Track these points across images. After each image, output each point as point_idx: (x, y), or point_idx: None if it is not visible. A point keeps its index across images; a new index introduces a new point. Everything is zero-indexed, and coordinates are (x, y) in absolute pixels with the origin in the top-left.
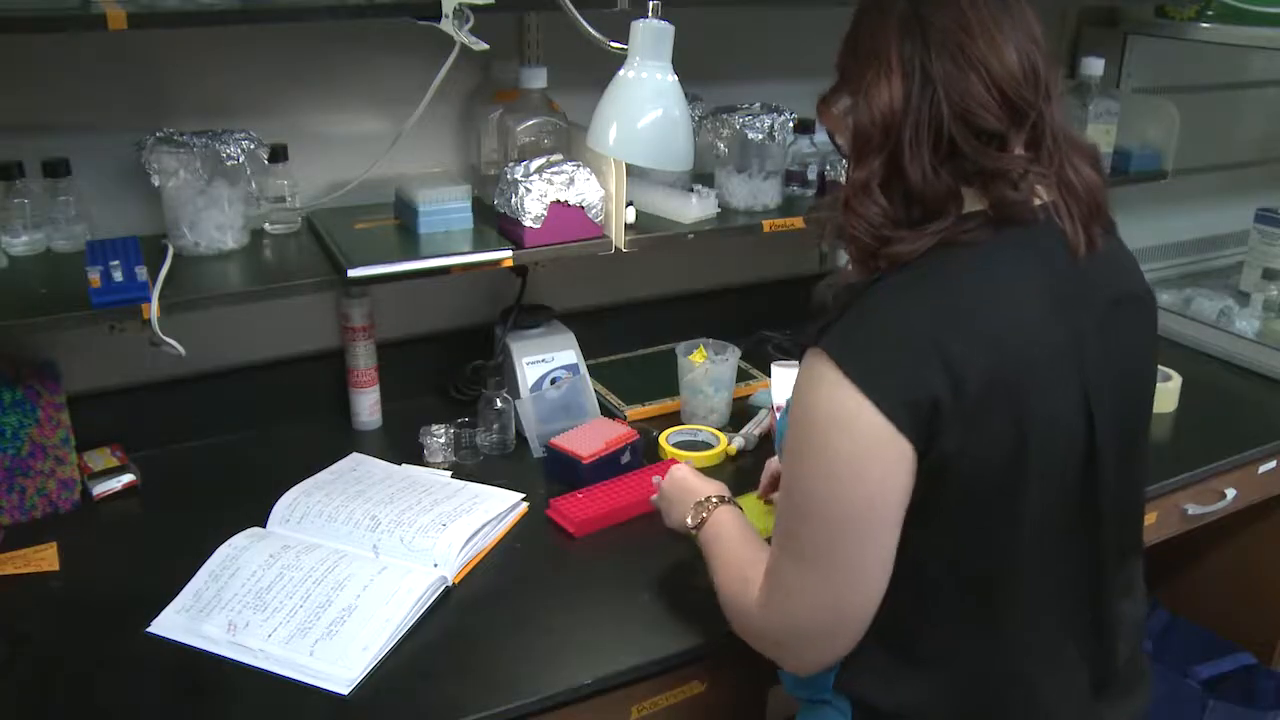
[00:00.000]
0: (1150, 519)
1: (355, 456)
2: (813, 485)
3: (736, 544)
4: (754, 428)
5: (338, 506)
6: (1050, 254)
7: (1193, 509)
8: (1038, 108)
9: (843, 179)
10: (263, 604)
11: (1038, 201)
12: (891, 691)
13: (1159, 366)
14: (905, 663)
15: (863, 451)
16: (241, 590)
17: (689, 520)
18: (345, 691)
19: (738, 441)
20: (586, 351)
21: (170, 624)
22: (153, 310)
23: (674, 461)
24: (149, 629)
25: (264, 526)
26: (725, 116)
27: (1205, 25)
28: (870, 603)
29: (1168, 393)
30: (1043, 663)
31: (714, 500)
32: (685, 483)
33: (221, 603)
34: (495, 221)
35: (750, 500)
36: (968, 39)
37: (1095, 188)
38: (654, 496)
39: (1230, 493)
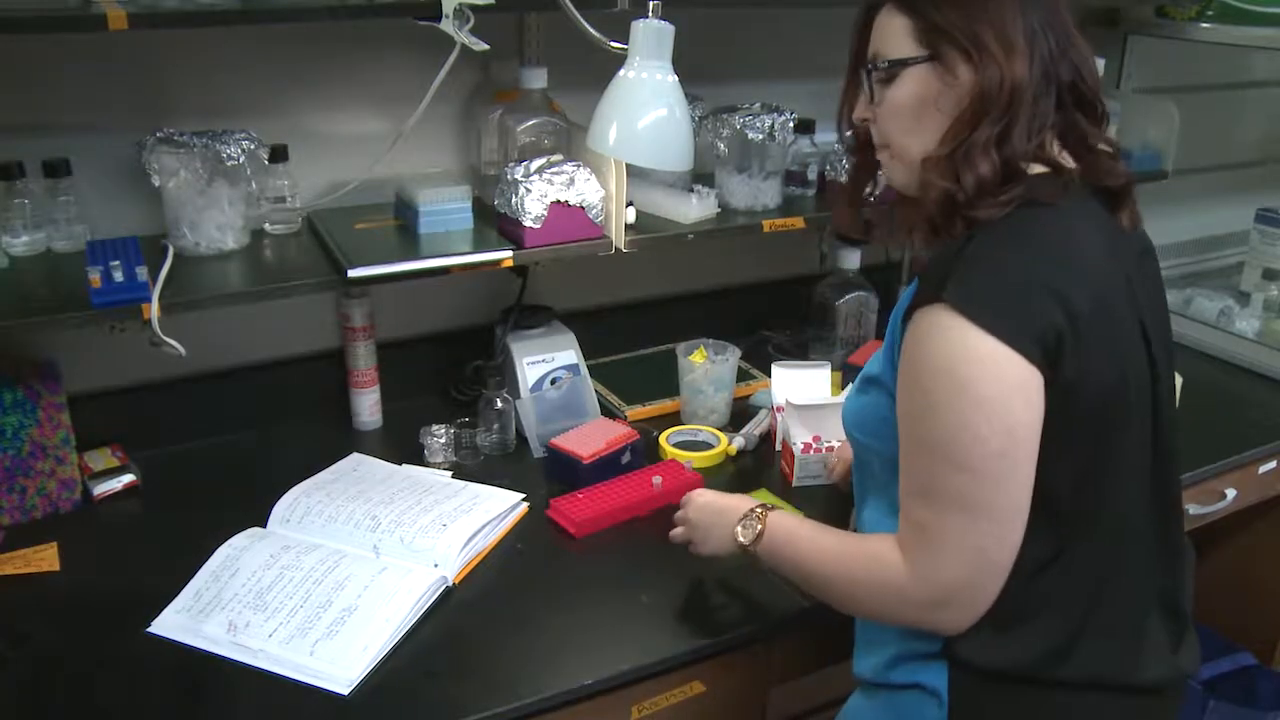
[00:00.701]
0: None
1: (356, 457)
2: (956, 433)
3: (822, 535)
4: (754, 428)
5: (338, 507)
6: (1099, 213)
7: (1193, 509)
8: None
9: (970, 133)
10: (263, 604)
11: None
12: (995, 649)
13: None
14: (1007, 618)
15: (1005, 390)
16: (242, 590)
17: (741, 537)
18: (345, 691)
19: (738, 441)
20: (587, 351)
21: (170, 624)
22: (153, 310)
23: (674, 462)
24: (149, 629)
25: (264, 526)
26: (725, 116)
27: (1205, 25)
28: (1018, 540)
29: None
30: (1133, 614)
31: (758, 510)
32: (716, 504)
33: (222, 603)
34: (495, 222)
35: (764, 496)
36: (1068, 25)
37: (1125, 167)
38: (677, 531)
39: (1230, 493)
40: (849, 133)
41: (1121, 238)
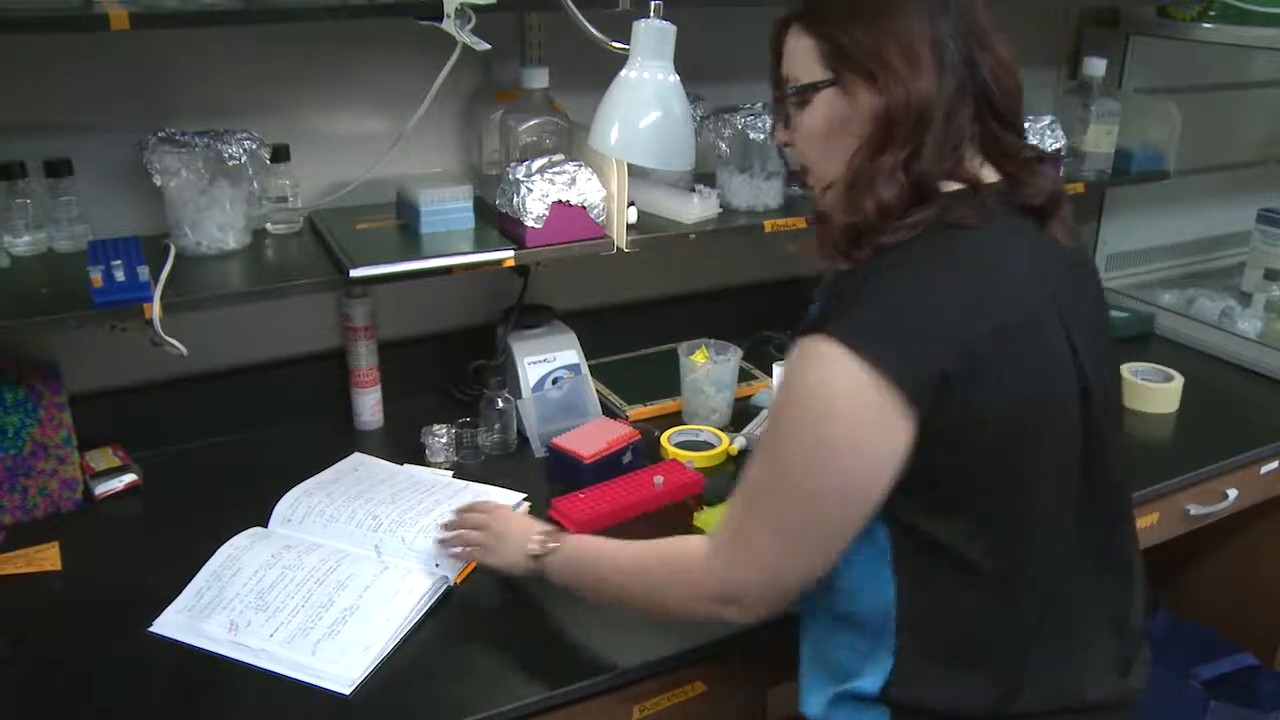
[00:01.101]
0: (1152, 519)
1: (357, 456)
2: (792, 460)
3: (612, 546)
4: (755, 428)
5: (339, 506)
6: (1024, 229)
7: (1194, 509)
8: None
9: (872, 155)
10: (264, 604)
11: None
12: (936, 691)
13: (1159, 367)
14: (946, 660)
15: (854, 437)
16: (243, 590)
17: (532, 545)
18: (347, 691)
19: (739, 441)
20: (588, 351)
21: (172, 623)
22: (154, 310)
23: (675, 462)
24: (151, 629)
25: (265, 526)
26: (727, 116)
27: (1207, 26)
28: (820, 574)
29: (1169, 393)
30: (1077, 647)
31: (558, 532)
32: (519, 518)
33: (223, 602)
34: (497, 221)
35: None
36: (987, 34)
37: (1058, 178)
38: (473, 535)
39: (1232, 493)
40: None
41: (1051, 253)
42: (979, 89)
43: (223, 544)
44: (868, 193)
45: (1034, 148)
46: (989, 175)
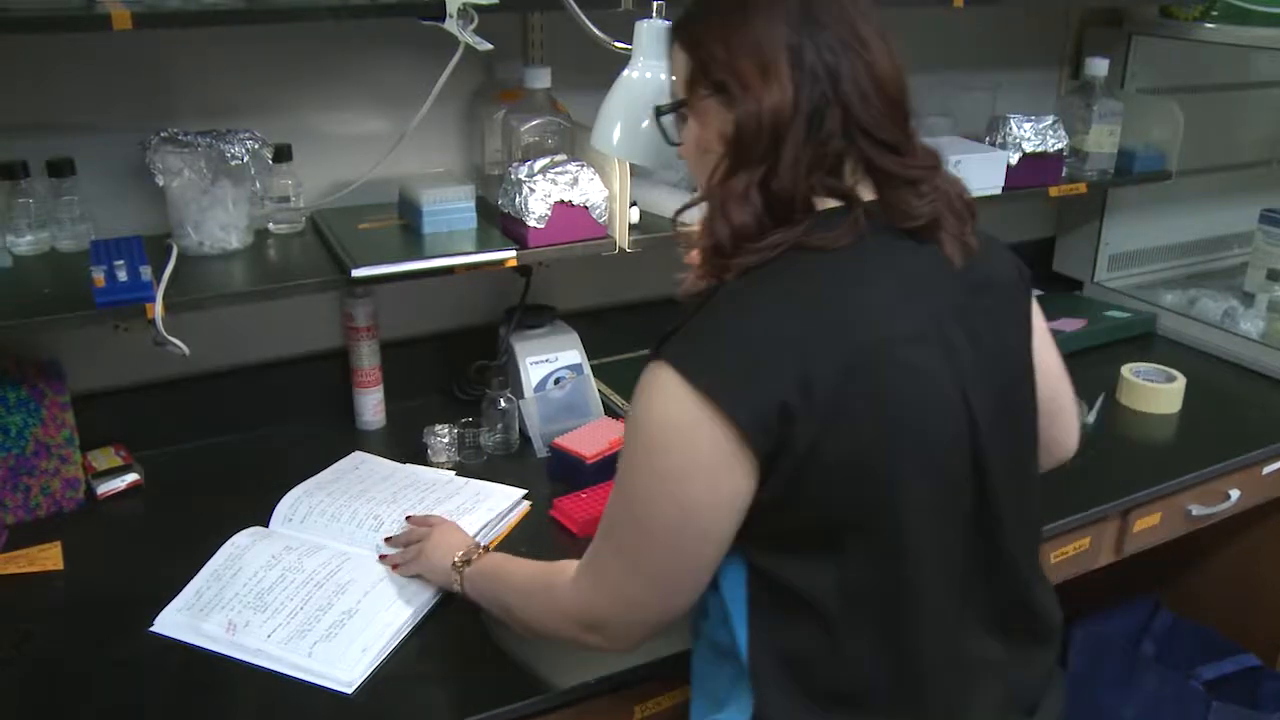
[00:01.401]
0: (1154, 519)
1: (358, 455)
2: (635, 491)
3: (514, 565)
4: None
5: (340, 506)
6: (905, 253)
7: (1197, 510)
8: (910, 112)
9: (725, 176)
10: (263, 604)
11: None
12: None
13: (1161, 367)
14: (806, 707)
15: (691, 467)
16: (243, 590)
17: (455, 558)
18: (349, 691)
19: None
20: (590, 351)
21: (172, 622)
22: (157, 310)
23: None
24: (151, 628)
25: (267, 526)
26: None
27: (1210, 26)
28: (678, 605)
29: (1171, 394)
30: (958, 681)
31: (483, 548)
32: (454, 533)
33: (222, 602)
34: (499, 221)
35: None
36: (858, 43)
37: (965, 192)
38: (400, 539)
39: (1234, 494)
40: None
41: (941, 276)
42: (842, 102)
43: (224, 543)
44: (721, 216)
45: (915, 165)
46: (867, 193)
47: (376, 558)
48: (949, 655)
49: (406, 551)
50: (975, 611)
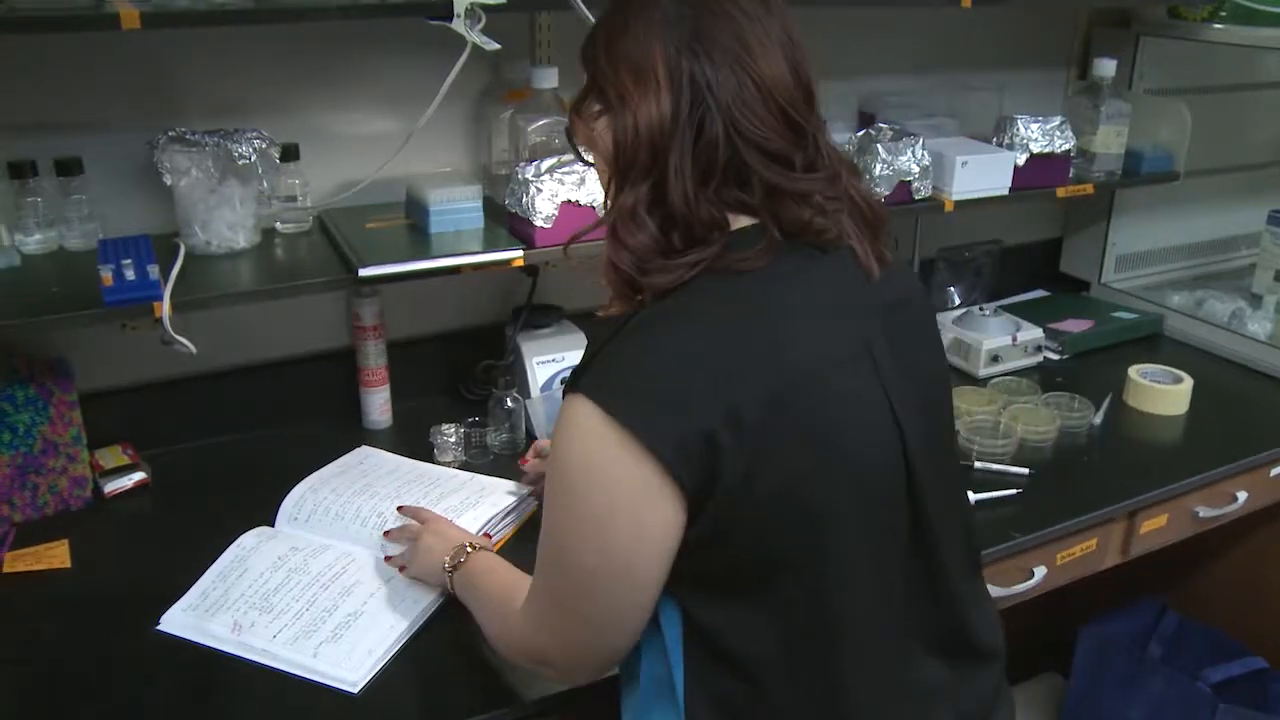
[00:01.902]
0: (1161, 521)
1: (364, 449)
2: (558, 533)
3: (499, 573)
4: None
5: (344, 504)
6: (827, 271)
7: (1204, 511)
8: (813, 123)
9: (614, 198)
10: (269, 605)
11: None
12: None
13: (1168, 368)
14: None
15: (611, 508)
16: (249, 591)
17: (446, 562)
18: (354, 690)
19: None
20: None
21: (178, 621)
22: (164, 309)
23: None
24: (157, 626)
25: (272, 524)
26: None
27: (1218, 26)
28: (621, 649)
29: (1179, 395)
30: (904, 712)
31: (472, 545)
32: (446, 532)
33: (228, 602)
34: (506, 221)
35: None
36: (743, 50)
37: (876, 203)
38: (401, 546)
39: (1241, 495)
40: None
41: (861, 293)
42: (723, 111)
43: (230, 543)
44: (616, 239)
45: (814, 177)
46: (802, 215)
47: (382, 558)
48: (892, 688)
49: (406, 553)
50: (918, 637)
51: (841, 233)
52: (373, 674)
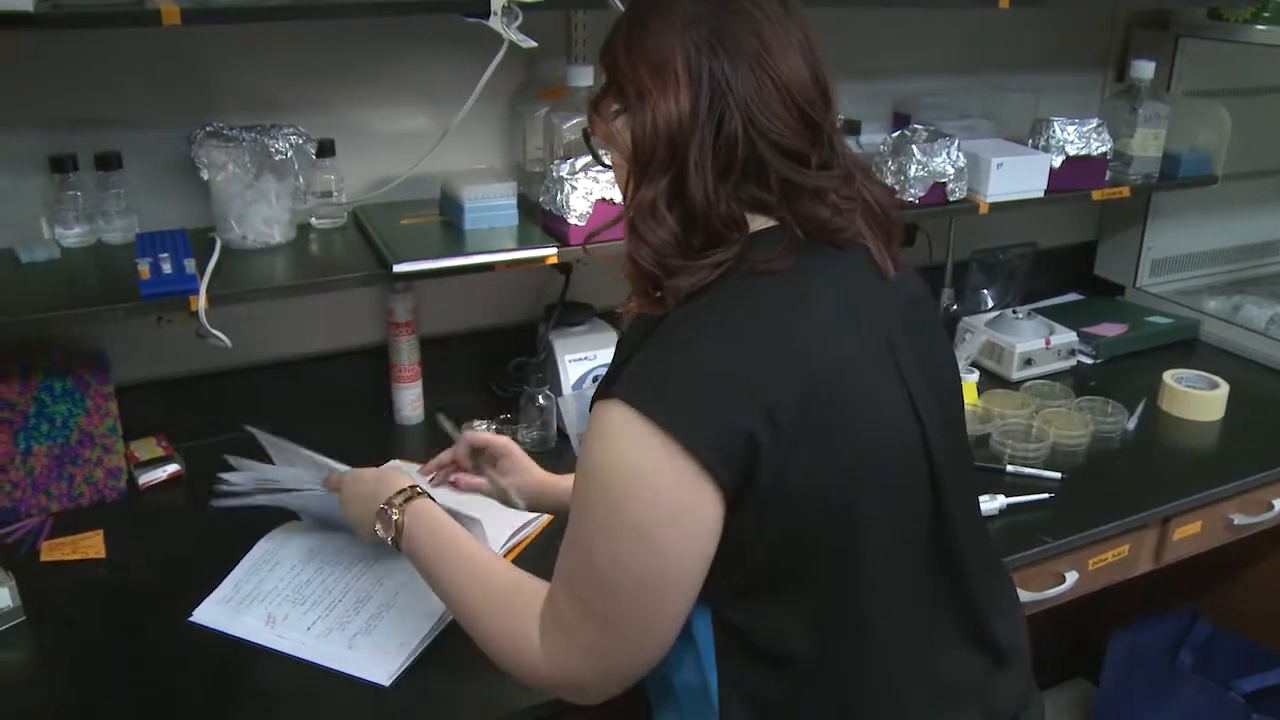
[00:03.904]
0: (1195, 528)
1: (394, 464)
2: (600, 547)
3: (469, 546)
4: None
5: None
6: (847, 270)
7: (1239, 519)
8: (830, 123)
9: (633, 194)
10: (301, 598)
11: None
12: None
13: (1204, 374)
14: None
15: (659, 516)
16: (281, 584)
17: (380, 532)
18: (386, 682)
19: None
20: None
21: (211, 614)
22: (200, 302)
23: None
24: (191, 618)
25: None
26: None
27: (1261, 28)
28: (653, 657)
29: (1214, 400)
30: (933, 711)
31: (398, 500)
32: (364, 486)
33: (261, 595)
34: (540, 219)
35: None
36: (762, 49)
37: (889, 205)
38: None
39: (1278, 504)
40: None
41: (881, 292)
42: (742, 108)
43: (261, 538)
44: (636, 236)
45: (830, 174)
46: (818, 212)
47: None
48: (920, 685)
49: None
50: (943, 635)
51: (857, 232)
52: (405, 665)
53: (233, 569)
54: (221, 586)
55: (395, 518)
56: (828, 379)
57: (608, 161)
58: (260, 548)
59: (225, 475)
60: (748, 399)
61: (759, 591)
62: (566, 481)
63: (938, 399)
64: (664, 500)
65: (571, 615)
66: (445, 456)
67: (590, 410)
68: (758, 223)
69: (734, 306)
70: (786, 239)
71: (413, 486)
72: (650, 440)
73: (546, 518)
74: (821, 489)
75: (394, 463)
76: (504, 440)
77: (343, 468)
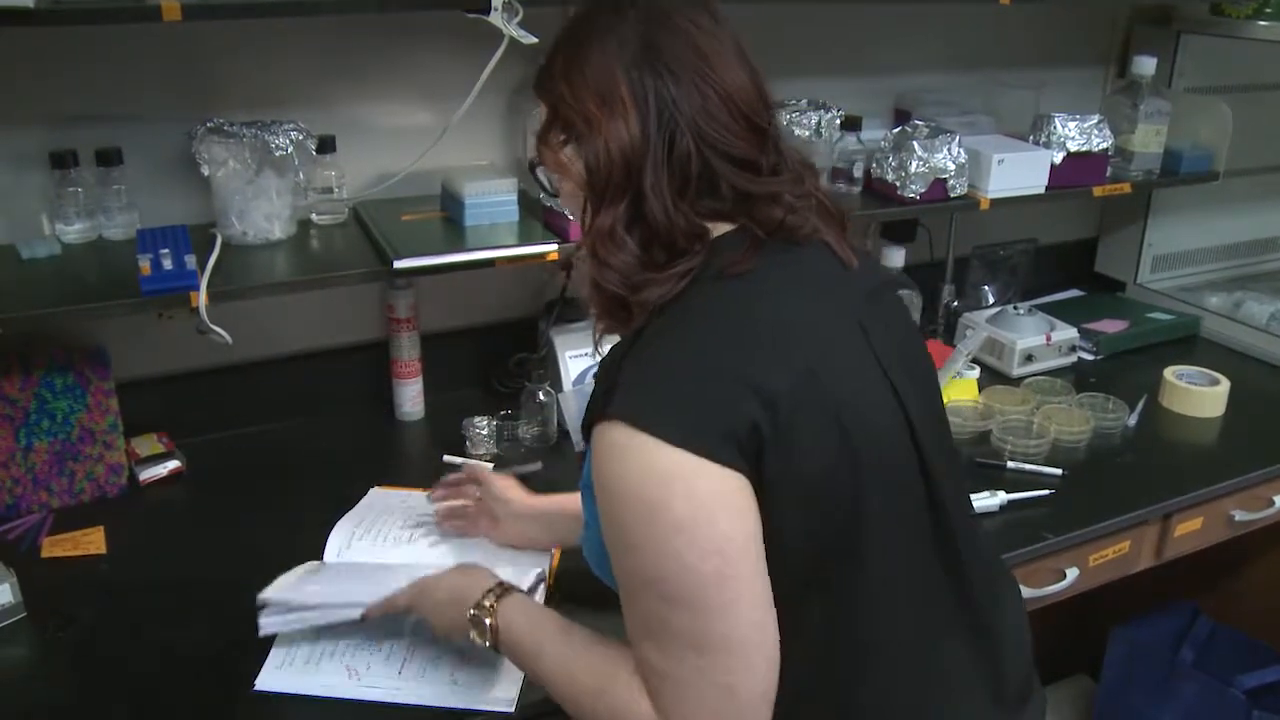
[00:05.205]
0: (1196, 524)
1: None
2: (660, 566)
3: (563, 644)
4: None
5: (385, 528)
6: (810, 263)
7: (1240, 515)
8: (774, 127)
9: (591, 220)
10: (371, 643)
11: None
12: None
13: (1205, 370)
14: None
15: (701, 506)
16: (340, 636)
17: (478, 640)
18: (511, 709)
19: None
20: None
21: (278, 680)
22: (201, 298)
23: None
24: (255, 688)
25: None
26: None
27: (1263, 24)
28: (772, 660)
29: (1216, 397)
30: (934, 691)
31: (488, 604)
32: (439, 592)
33: (326, 650)
34: (541, 215)
35: None
36: (702, 62)
37: (836, 200)
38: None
39: (1279, 500)
40: None
41: (845, 280)
42: (691, 124)
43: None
44: (599, 261)
45: (781, 178)
46: (774, 214)
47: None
48: (924, 674)
49: (397, 598)
50: (947, 626)
51: (815, 228)
52: (521, 687)
53: (270, 629)
54: (273, 654)
55: (490, 622)
56: (814, 366)
57: (555, 190)
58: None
59: (265, 595)
60: (743, 391)
61: (785, 592)
62: (560, 497)
63: (911, 376)
64: (699, 493)
65: (665, 661)
66: (453, 478)
67: (588, 441)
68: (719, 229)
69: (709, 308)
70: (749, 241)
71: (499, 584)
72: (661, 449)
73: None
74: (825, 477)
75: (374, 491)
76: (492, 477)
77: (399, 579)
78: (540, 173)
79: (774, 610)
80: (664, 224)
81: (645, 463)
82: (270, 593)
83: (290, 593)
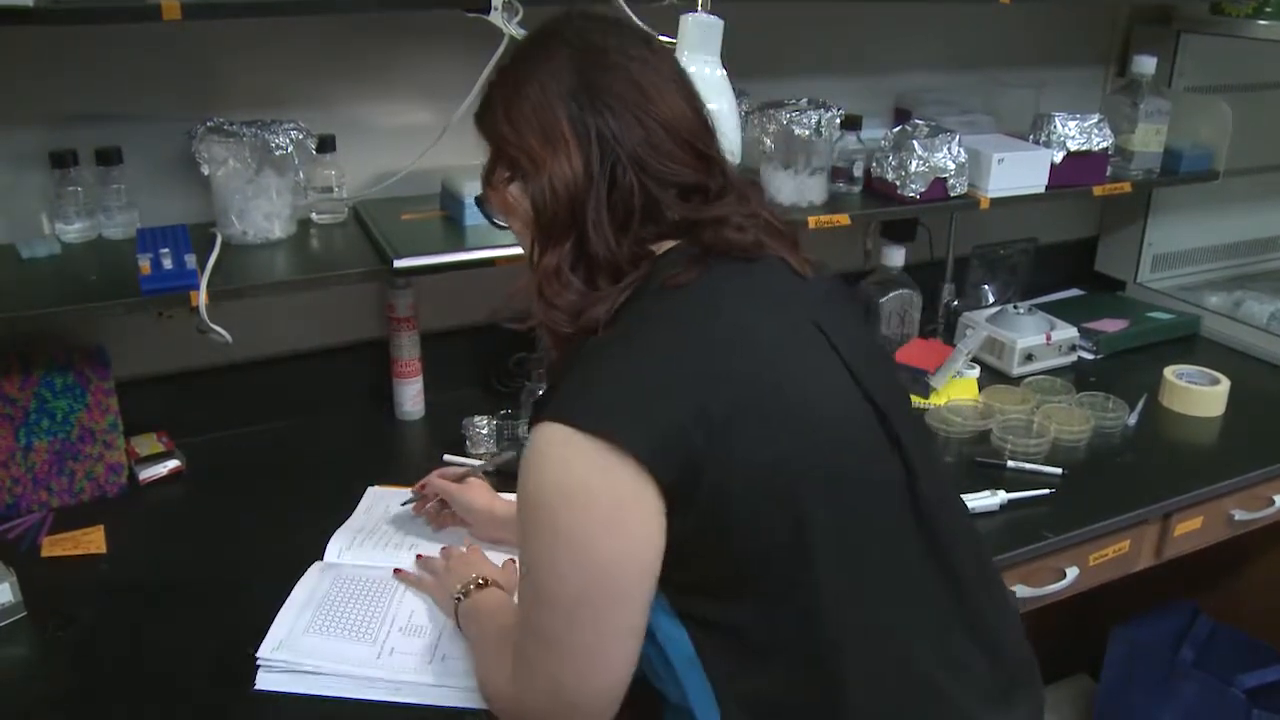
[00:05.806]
0: (1196, 524)
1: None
2: (538, 566)
3: (503, 618)
4: None
5: (387, 532)
6: (759, 274)
7: (1240, 514)
8: (717, 151)
9: (539, 259)
10: (414, 628)
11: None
12: None
13: (1205, 369)
14: None
15: (605, 513)
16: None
17: (454, 592)
18: None
19: None
20: None
21: (278, 681)
22: (201, 298)
23: None
24: (256, 687)
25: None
26: (772, 112)
27: (1263, 23)
28: (607, 680)
29: (1215, 397)
30: (922, 690)
31: (480, 578)
32: (464, 564)
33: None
34: None
35: None
36: (640, 96)
37: (782, 217)
38: (435, 566)
39: (1279, 499)
40: None
41: (798, 286)
42: (633, 158)
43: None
44: (544, 301)
45: (725, 203)
46: (726, 235)
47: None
48: (908, 671)
49: (433, 589)
50: (934, 620)
51: (763, 245)
52: None
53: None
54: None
55: (460, 605)
56: (759, 370)
57: (506, 225)
58: (300, 593)
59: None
60: (678, 399)
61: (735, 588)
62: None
63: (874, 369)
64: (599, 504)
65: (530, 647)
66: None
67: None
68: (664, 246)
69: (651, 318)
70: (691, 255)
71: (484, 577)
72: (582, 447)
73: None
74: (775, 473)
75: (372, 490)
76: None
77: (399, 602)
78: (489, 209)
79: (637, 634)
80: (607, 258)
81: (562, 467)
82: (268, 651)
83: (288, 653)
